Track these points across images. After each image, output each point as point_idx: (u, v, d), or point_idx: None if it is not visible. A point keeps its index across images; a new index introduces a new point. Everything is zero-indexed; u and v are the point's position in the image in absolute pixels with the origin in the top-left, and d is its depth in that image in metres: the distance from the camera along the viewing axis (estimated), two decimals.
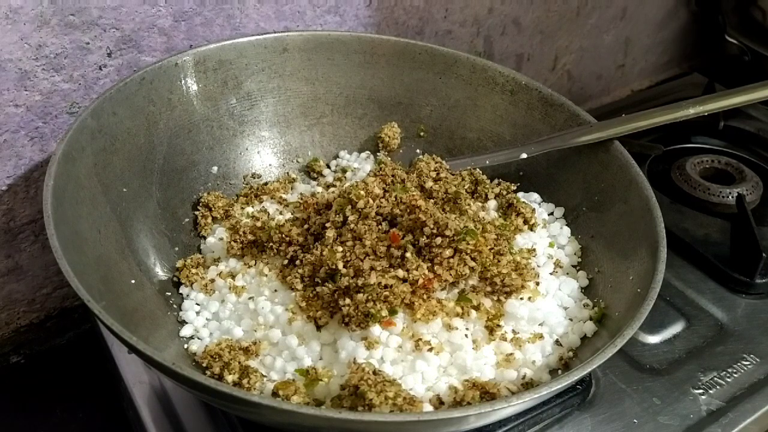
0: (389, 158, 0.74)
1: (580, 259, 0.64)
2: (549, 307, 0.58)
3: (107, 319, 0.45)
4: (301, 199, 0.64)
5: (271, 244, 0.60)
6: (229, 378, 0.52)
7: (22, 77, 0.62)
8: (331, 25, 0.79)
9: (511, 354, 0.54)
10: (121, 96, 0.61)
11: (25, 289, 0.71)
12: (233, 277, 0.61)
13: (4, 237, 0.67)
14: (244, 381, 0.52)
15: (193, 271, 0.61)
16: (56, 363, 0.72)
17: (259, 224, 0.62)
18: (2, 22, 0.58)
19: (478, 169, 0.69)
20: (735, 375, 0.62)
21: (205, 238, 0.66)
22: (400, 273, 0.54)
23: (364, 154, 0.75)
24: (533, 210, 0.66)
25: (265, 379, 0.53)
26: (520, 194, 0.69)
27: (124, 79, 0.61)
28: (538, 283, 0.59)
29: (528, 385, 0.53)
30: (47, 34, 0.61)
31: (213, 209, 0.66)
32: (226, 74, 0.69)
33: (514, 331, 0.56)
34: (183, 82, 0.66)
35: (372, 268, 0.53)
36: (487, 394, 0.50)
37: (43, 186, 0.51)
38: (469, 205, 0.62)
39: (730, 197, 0.80)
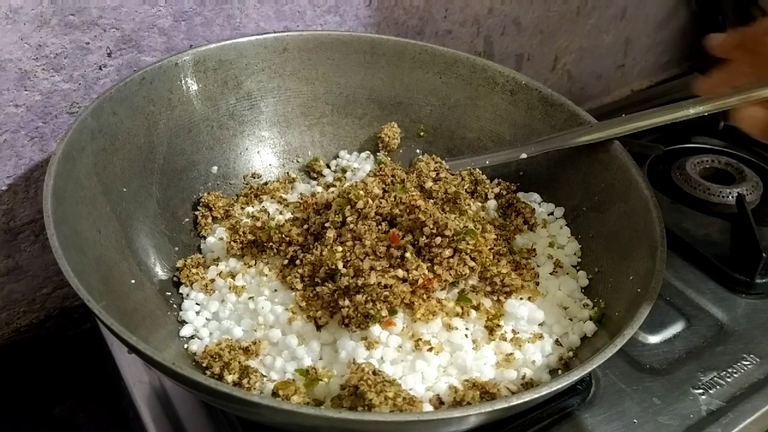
0: (389, 158, 0.74)
1: (580, 259, 0.64)
2: (549, 307, 0.58)
3: (107, 319, 0.45)
4: (301, 199, 0.64)
5: (271, 244, 0.60)
6: (229, 378, 0.52)
7: (22, 77, 0.62)
8: (331, 25, 0.79)
9: (511, 354, 0.54)
10: (121, 96, 0.61)
11: (25, 289, 0.71)
12: (233, 276, 0.61)
13: (4, 237, 0.67)
14: (244, 381, 0.52)
15: (193, 271, 0.61)
16: (56, 363, 0.72)
17: (259, 224, 0.62)
18: (2, 22, 0.58)
19: (477, 169, 0.69)
20: (735, 375, 0.62)
21: (205, 238, 0.66)
22: (400, 273, 0.54)
23: (364, 154, 0.75)
24: (533, 210, 0.66)
25: (265, 379, 0.53)
26: (520, 194, 0.69)
27: (124, 79, 0.61)
28: (537, 283, 0.59)
29: (528, 385, 0.53)
30: (47, 34, 0.61)
31: (213, 209, 0.66)
32: (226, 74, 0.69)
33: (514, 331, 0.56)
34: (183, 82, 0.66)
35: (372, 268, 0.53)
36: (487, 394, 0.50)
37: (43, 186, 0.51)
38: (468, 205, 0.62)
39: (730, 197, 0.80)
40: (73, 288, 0.46)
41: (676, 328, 0.67)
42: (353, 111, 0.75)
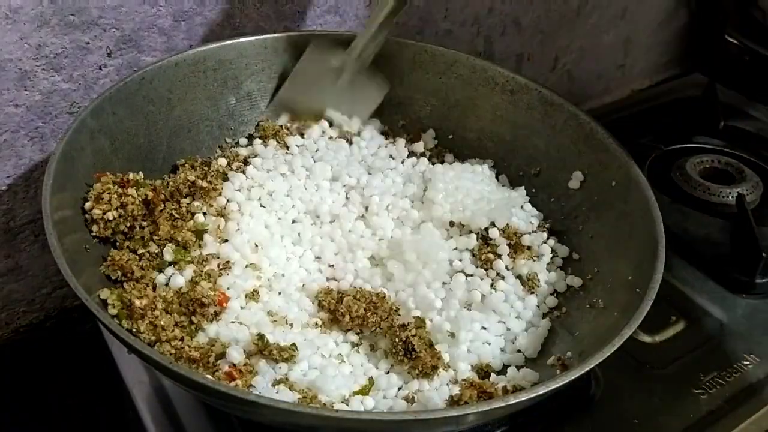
0: None
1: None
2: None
3: (106, 319, 0.45)
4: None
5: None
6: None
7: (22, 77, 0.62)
8: (331, 24, 0.79)
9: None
10: (120, 96, 0.61)
11: (24, 289, 0.71)
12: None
13: (4, 237, 0.67)
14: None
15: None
16: (56, 363, 0.72)
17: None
18: (2, 22, 0.58)
19: None
20: (735, 375, 0.62)
21: None
22: None
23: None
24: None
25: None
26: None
27: (124, 79, 0.61)
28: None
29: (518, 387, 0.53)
30: (47, 34, 0.61)
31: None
32: (225, 74, 0.69)
33: None
34: (183, 82, 0.66)
35: None
36: (484, 393, 0.50)
37: (42, 186, 0.51)
38: None
39: (730, 197, 0.80)
40: (72, 288, 0.46)
41: (676, 328, 0.67)
42: None
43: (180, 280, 0.55)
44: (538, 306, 0.60)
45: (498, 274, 0.62)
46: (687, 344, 0.65)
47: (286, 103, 0.71)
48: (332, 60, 0.70)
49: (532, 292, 0.61)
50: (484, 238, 0.64)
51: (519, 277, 0.62)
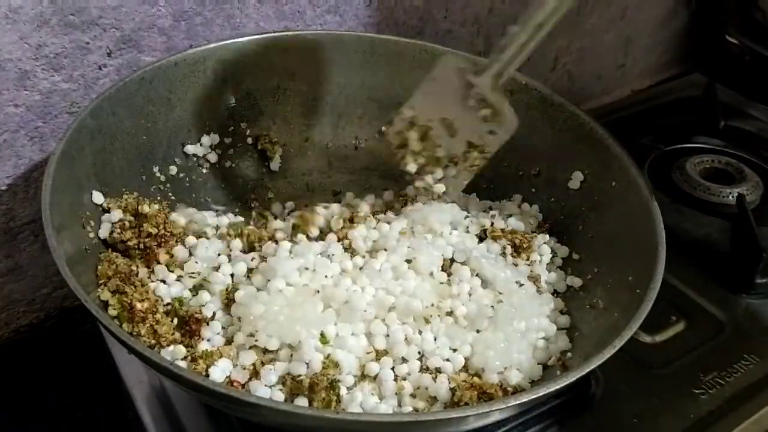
0: None
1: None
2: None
3: (105, 320, 0.45)
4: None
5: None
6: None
7: (21, 77, 0.61)
8: (331, 24, 0.79)
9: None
10: (120, 96, 0.61)
11: (24, 289, 0.71)
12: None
13: (4, 237, 0.67)
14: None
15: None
16: (56, 363, 0.72)
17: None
18: (2, 22, 0.58)
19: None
20: (735, 375, 0.62)
21: None
22: None
23: None
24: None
25: None
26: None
27: (124, 79, 0.61)
28: None
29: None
30: (47, 34, 0.61)
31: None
32: (225, 74, 0.69)
33: None
34: (182, 81, 0.66)
35: None
36: (484, 394, 0.50)
37: (42, 186, 0.51)
38: None
39: (730, 197, 0.80)
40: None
41: (676, 328, 0.67)
42: (353, 111, 0.75)
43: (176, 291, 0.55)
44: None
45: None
46: (687, 344, 0.65)
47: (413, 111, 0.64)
48: (465, 75, 0.61)
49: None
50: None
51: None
